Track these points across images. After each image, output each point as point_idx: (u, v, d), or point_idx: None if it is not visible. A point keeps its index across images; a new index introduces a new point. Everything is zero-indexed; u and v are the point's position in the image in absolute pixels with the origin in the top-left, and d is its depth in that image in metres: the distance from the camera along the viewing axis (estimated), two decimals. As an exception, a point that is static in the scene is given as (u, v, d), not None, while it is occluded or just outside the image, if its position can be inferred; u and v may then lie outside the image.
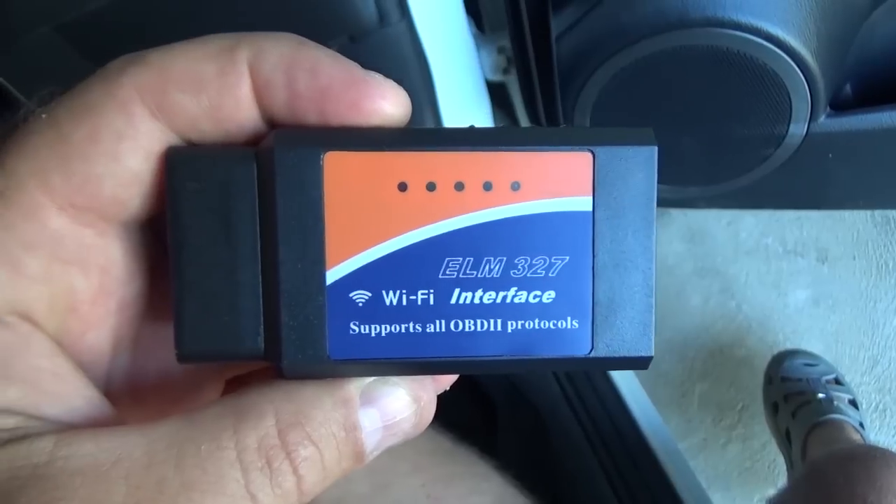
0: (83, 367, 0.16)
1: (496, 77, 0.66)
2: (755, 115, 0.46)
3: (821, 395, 0.73)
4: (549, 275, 0.15)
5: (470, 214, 0.15)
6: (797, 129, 0.46)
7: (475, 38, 0.62)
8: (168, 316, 0.16)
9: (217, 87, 0.14)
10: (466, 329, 0.15)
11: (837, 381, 0.77)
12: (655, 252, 0.15)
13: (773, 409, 0.78)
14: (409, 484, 0.38)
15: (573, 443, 0.57)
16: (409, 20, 0.52)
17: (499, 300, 0.15)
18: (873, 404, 0.84)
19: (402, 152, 0.15)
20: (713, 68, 0.44)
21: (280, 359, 0.15)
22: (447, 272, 0.15)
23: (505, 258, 0.15)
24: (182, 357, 0.15)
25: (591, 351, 0.15)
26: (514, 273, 0.15)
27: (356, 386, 0.15)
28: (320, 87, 0.14)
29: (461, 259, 0.15)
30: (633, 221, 0.15)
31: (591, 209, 0.15)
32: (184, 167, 0.15)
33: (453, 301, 0.15)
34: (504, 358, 0.15)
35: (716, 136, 0.49)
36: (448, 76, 0.59)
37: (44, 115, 0.14)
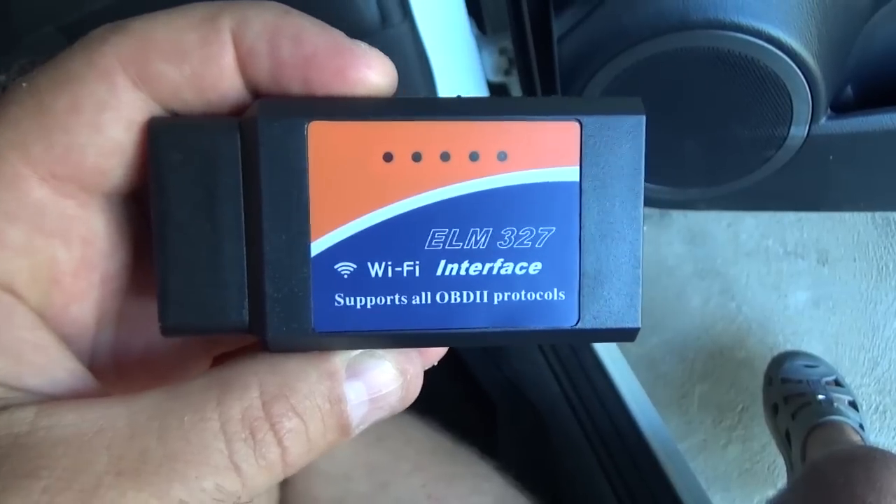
0: (67, 340, 0.16)
1: (497, 78, 0.66)
2: (756, 116, 0.46)
3: (821, 397, 0.73)
4: (536, 246, 0.15)
5: (456, 185, 0.15)
6: (798, 130, 0.46)
7: (477, 39, 0.62)
8: (153, 291, 0.16)
9: (200, 57, 0.14)
10: (453, 301, 0.15)
11: (837, 383, 0.77)
12: (643, 223, 0.15)
13: (772, 410, 0.78)
14: (410, 483, 0.38)
15: (573, 443, 0.57)
16: (411, 21, 0.52)
17: (485, 272, 0.15)
18: (873, 406, 0.84)
19: (387, 122, 0.14)
20: (714, 70, 0.44)
21: (265, 331, 0.14)
22: (433, 243, 0.15)
23: (491, 229, 0.15)
24: (166, 330, 0.15)
25: (577, 322, 0.15)
26: (500, 244, 0.15)
27: (342, 359, 0.15)
28: (304, 55, 0.14)
29: (447, 230, 0.15)
30: (620, 192, 0.15)
31: (578, 179, 0.15)
32: (166, 137, 0.14)
33: (439, 273, 0.15)
34: (490, 330, 0.15)
35: (717, 138, 0.49)
36: (450, 77, 0.59)
37: (24, 85, 0.14)
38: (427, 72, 0.57)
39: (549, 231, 0.15)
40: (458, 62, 0.61)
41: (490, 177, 0.15)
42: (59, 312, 0.16)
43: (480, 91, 0.64)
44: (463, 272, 0.15)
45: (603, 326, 0.15)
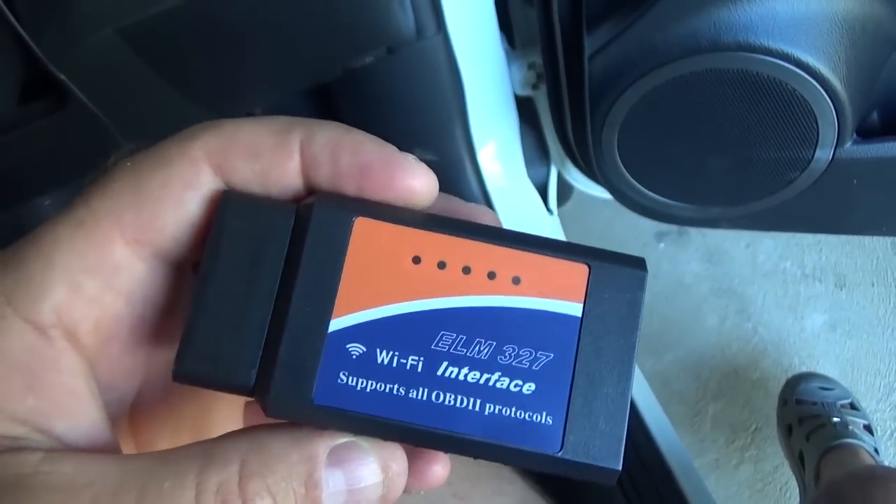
0: (108, 386, 0.17)
1: (525, 92, 0.67)
2: (782, 138, 0.47)
3: (836, 420, 0.73)
4: (533, 368, 0.16)
5: (471, 297, 0.16)
6: (823, 154, 0.47)
7: (506, 53, 0.64)
8: (170, 344, 0.17)
9: (271, 159, 0.16)
10: (447, 402, 0.16)
11: (853, 406, 0.77)
12: (634, 370, 0.16)
13: (786, 431, 0.78)
14: None
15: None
16: (444, 34, 0.54)
17: (482, 381, 0.16)
18: (888, 431, 0.83)
19: (423, 231, 0.16)
20: (742, 91, 0.44)
21: (267, 394, 0.15)
22: (440, 344, 0.16)
23: (495, 343, 0.16)
24: (177, 375, 0.16)
25: (560, 451, 0.16)
26: (500, 359, 0.16)
27: (326, 444, 0.15)
28: (360, 165, 0.16)
29: (455, 335, 0.16)
30: (616, 336, 0.16)
31: (580, 315, 0.16)
32: (234, 205, 0.16)
33: (440, 372, 0.16)
34: (476, 439, 0.16)
35: (742, 158, 0.50)
36: (479, 89, 0.61)
37: (128, 164, 0.17)
38: (457, 83, 0.58)
39: (547, 357, 0.16)
40: (487, 75, 0.62)
41: (502, 296, 0.16)
42: (111, 362, 0.17)
43: (508, 103, 0.66)
44: (462, 377, 0.16)
45: (584, 461, 0.16)
